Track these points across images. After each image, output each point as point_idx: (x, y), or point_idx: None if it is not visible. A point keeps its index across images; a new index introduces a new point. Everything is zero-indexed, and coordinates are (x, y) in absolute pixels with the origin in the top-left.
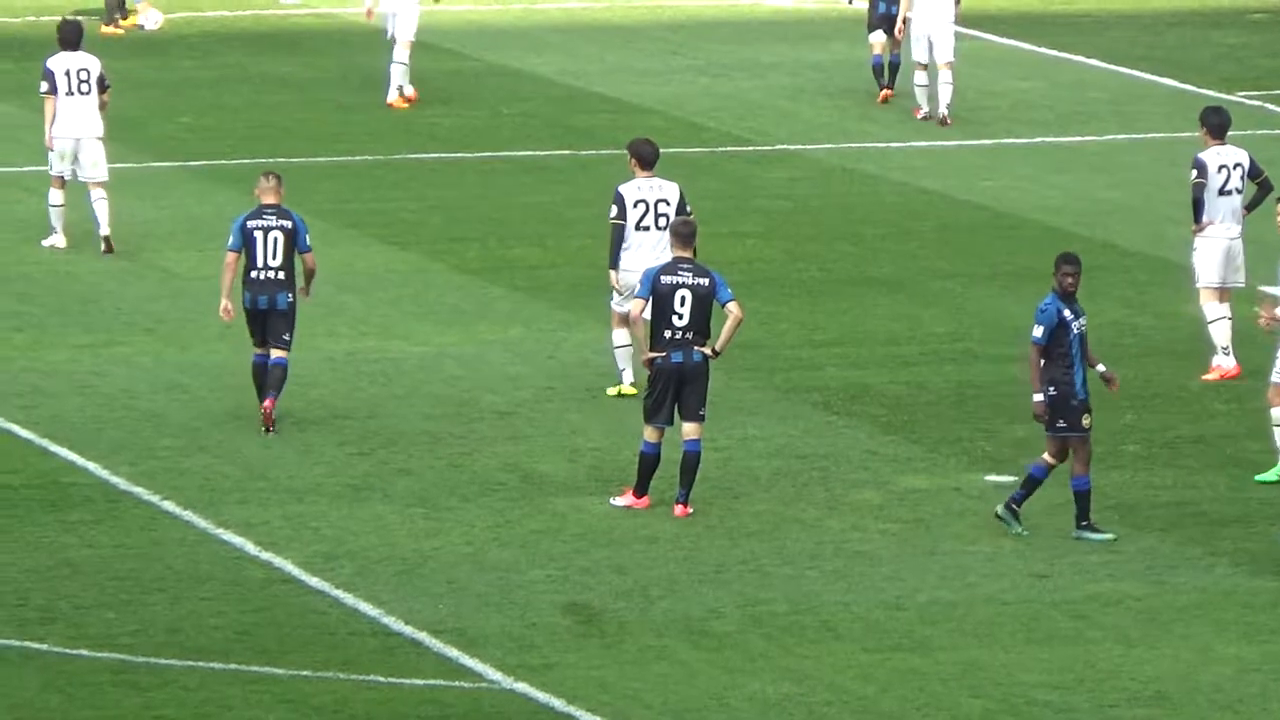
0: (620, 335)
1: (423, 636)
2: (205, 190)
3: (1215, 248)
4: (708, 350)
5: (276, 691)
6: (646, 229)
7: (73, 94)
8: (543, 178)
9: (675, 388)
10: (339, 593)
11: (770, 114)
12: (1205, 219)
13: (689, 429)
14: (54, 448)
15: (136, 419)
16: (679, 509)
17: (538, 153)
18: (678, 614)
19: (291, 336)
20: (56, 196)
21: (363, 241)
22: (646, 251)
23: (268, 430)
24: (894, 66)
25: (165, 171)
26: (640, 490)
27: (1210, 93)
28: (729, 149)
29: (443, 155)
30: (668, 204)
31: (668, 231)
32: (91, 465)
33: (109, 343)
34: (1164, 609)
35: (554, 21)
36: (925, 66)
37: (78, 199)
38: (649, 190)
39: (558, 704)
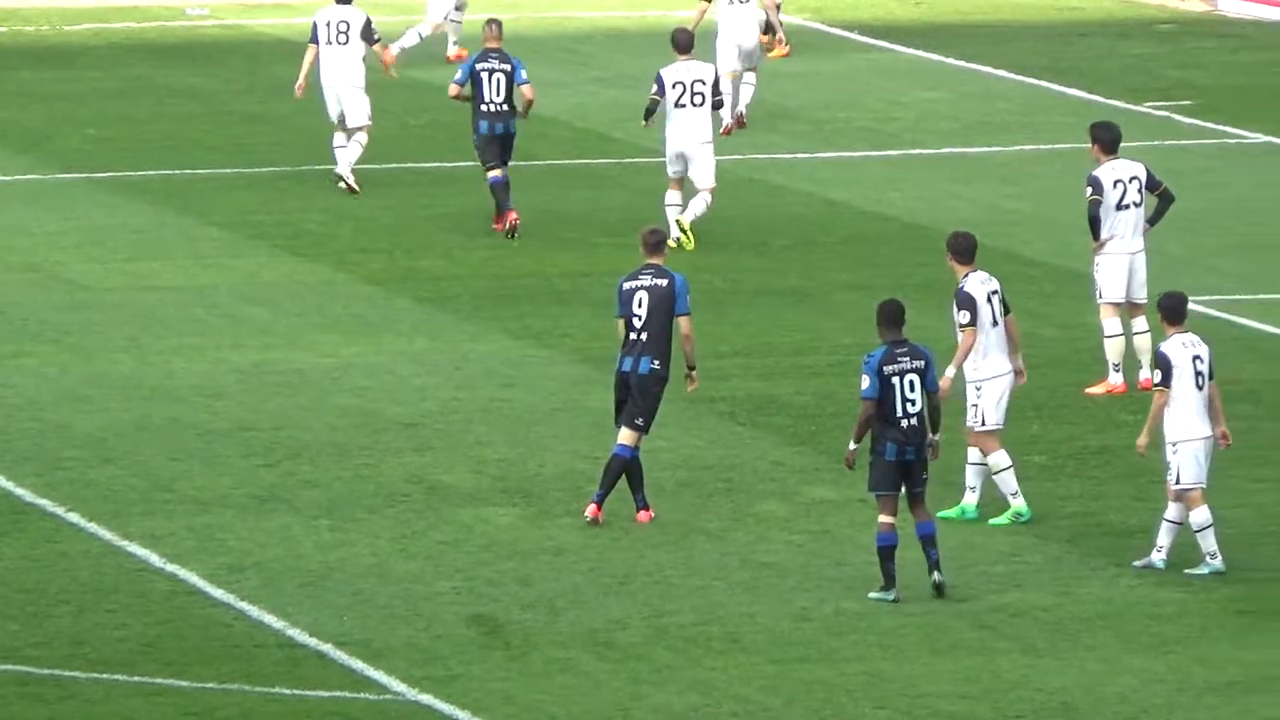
0: (672, 195)
1: (328, 648)
2: (112, 202)
3: (1117, 263)
4: (657, 365)
5: (181, 704)
6: (683, 106)
7: (331, 44)
8: (449, 189)
9: (622, 392)
10: (244, 605)
11: None
12: (1105, 234)
13: (621, 434)
14: None
15: (42, 430)
16: (590, 508)
17: (444, 164)
18: (583, 625)
19: (508, 157)
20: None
21: (269, 252)
22: (684, 128)
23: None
24: None
25: (71, 183)
26: (637, 502)
27: (1118, 103)
28: (636, 160)
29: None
30: (703, 84)
31: (703, 110)
32: None
33: (15, 354)
34: (1070, 620)
35: (461, 33)
36: (734, 74)
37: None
38: (685, 72)
39: (462, 716)
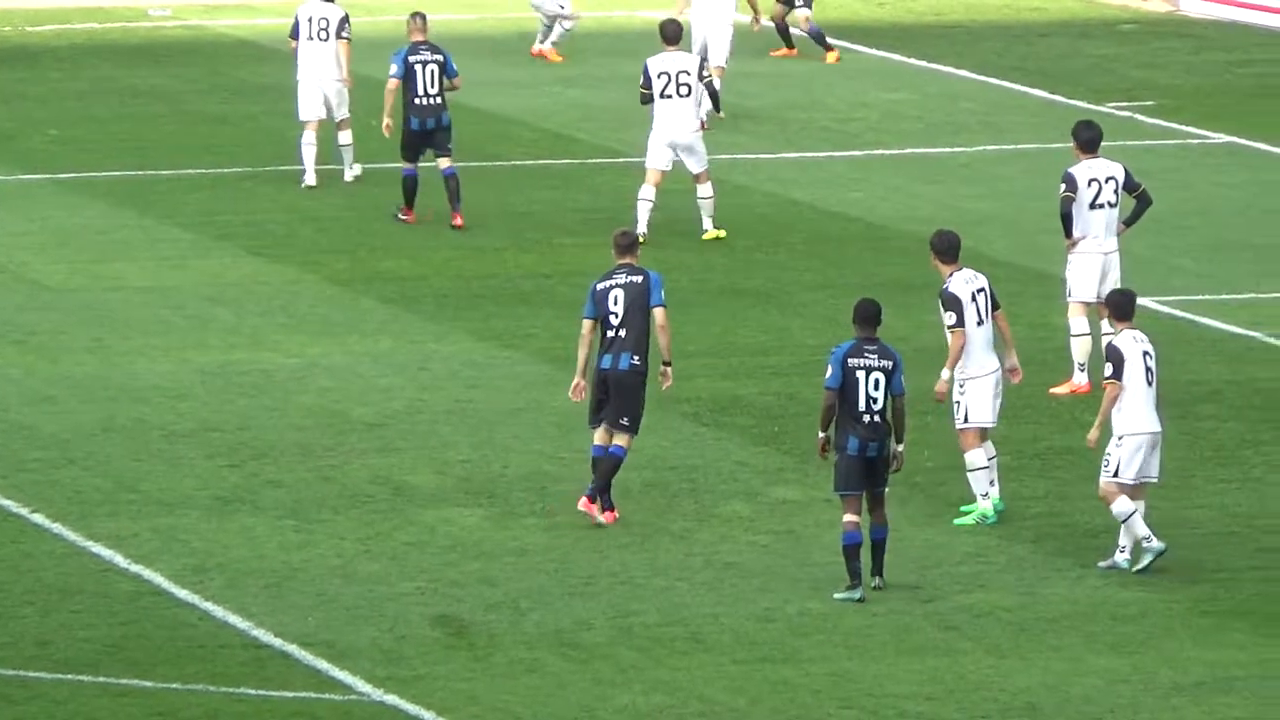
0: (647, 190)
1: (293, 649)
2: (75, 203)
3: (1089, 263)
4: (636, 361)
5: (146, 704)
6: (669, 97)
7: (313, 40)
8: None
9: (600, 391)
10: (209, 605)
11: (642, 126)
12: (1078, 233)
13: (598, 434)
14: None
15: (6, 431)
16: (582, 501)
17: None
18: (548, 626)
19: (451, 145)
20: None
21: (233, 253)
22: (672, 118)
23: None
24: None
25: (34, 184)
26: (601, 501)
27: (1081, 104)
28: (600, 161)
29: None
30: (688, 74)
31: (689, 100)
32: None
33: None
34: (1034, 620)
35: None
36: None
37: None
38: (671, 63)
39: (427, 716)
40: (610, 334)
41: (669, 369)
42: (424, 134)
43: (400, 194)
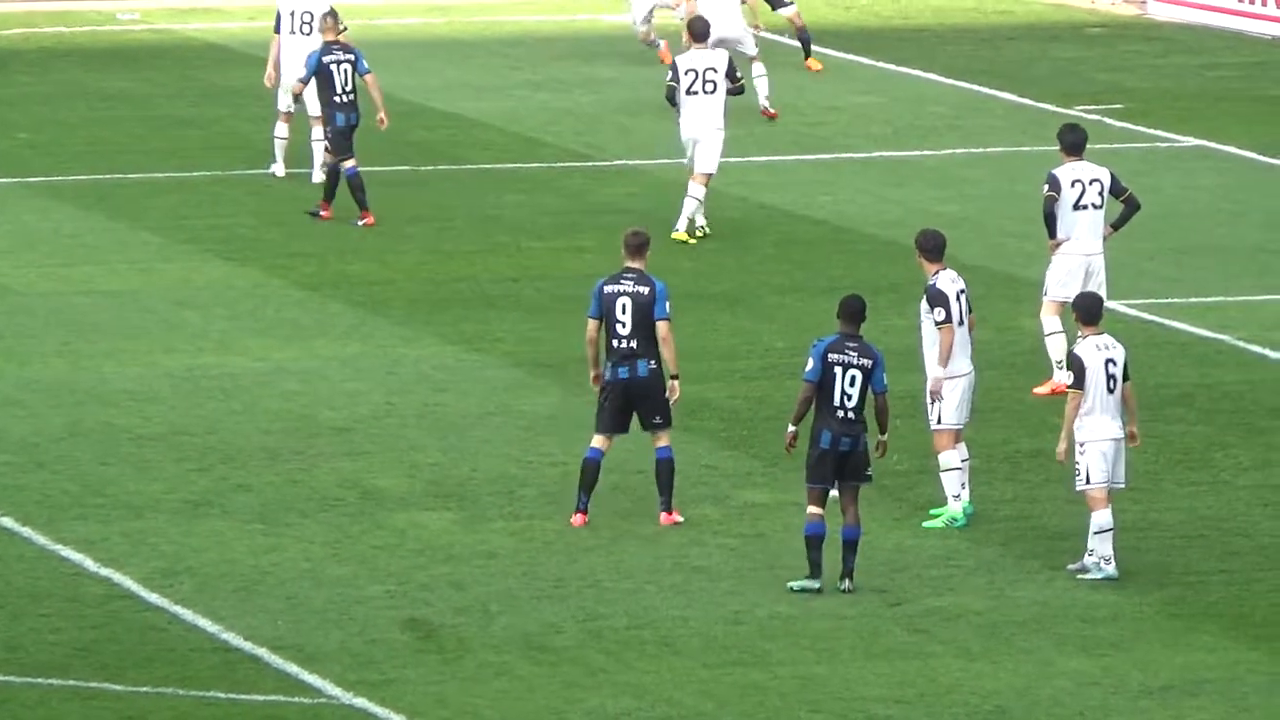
0: (694, 187)
1: (262, 652)
2: (44, 206)
3: (1069, 263)
4: (654, 364)
5: (116, 708)
6: (695, 94)
7: (295, 34)
8: (381, 193)
9: (622, 401)
10: (178, 609)
11: (609, 129)
12: (1061, 235)
13: (656, 437)
14: None
15: None
16: (663, 517)
17: (376, 168)
18: (517, 629)
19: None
20: (281, 129)
21: (201, 257)
22: (696, 114)
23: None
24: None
25: (3, 188)
26: (578, 503)
27: (1049, 107)
28: (568, 164)
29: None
30: (715, 71)
31: (715, 97)
32: None
33: None
34: (1004, 623)
35: (391, 37)
36: None
37: None
38: (699, 60)
39: (397, 719)
40: (619, 344)
41: (675, 381)
42: (350, 129)
43: (349, 200)
